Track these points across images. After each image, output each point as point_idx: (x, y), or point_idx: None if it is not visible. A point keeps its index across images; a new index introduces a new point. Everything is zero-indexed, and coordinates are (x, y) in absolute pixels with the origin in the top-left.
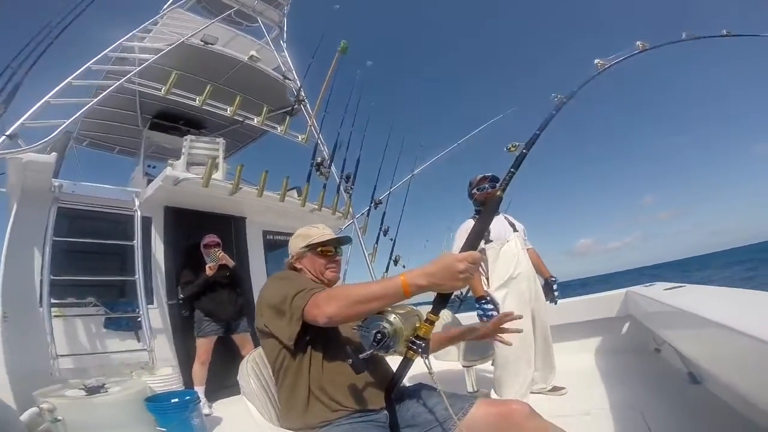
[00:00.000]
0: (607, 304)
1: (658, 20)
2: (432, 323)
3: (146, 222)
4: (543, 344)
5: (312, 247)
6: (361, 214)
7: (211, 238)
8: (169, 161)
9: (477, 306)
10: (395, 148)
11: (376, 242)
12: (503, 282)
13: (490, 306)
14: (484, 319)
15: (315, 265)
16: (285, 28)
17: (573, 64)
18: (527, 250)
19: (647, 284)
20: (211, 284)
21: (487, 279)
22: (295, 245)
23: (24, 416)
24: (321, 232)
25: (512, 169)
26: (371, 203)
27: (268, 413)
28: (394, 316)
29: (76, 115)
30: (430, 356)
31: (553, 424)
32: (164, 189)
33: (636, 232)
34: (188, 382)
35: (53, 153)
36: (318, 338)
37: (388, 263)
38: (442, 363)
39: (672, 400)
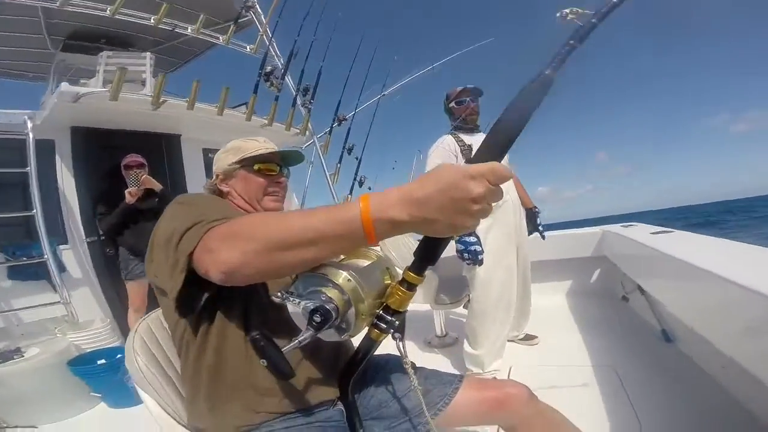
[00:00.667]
0: (582, 243)
1: None
2: (412, 288)
3: (47, 146)
4: (522, 286)
5: (246, 163)
6: (324, 133)
7: (132, 158)
8: (81, 81)
9: (457, 240)
10: (364, 61)
11: (339, 161)
12: None
13: (473, 239)
14: (466, 255)
15: (249, 187)
16: None
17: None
18: None
19: (626, 224)
20: (134, 214)
21: None
22: (223, 161)
23: None
24: (261, 145)
25: (571, 41)
26: (334, 119)
27: (172, 404)
28: (344, 276)
29: None
30: None
31: (550, 406)
32: (64, 108)
33: (589, 185)
34: (125, 333)
35: None
36: (234, 297)
37: (353, 184)
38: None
39: (646, 359)
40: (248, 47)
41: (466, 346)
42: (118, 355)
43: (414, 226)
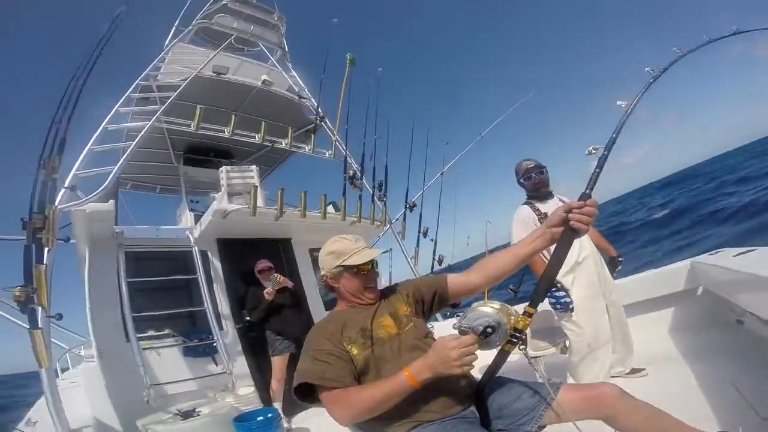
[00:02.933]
0: (670, 278)
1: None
2: (530, 316)
3: (203, 255)
4: (618, 326)
5: (347, 267)
6: (396, 219)
7: (264, 264)
8: (212, 194)
9: (549, 296)
10: (421, 148)
11: (417, 245)
12: (569, 267)
13: (562, 293)
14: (558, 306)
15: (352, 286)
16: (287, 49)
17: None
18: None
19: (712, 252)
20: (275, 306)
21: None
22: (329, 264)
23: None
24: (353, 246)
25: (597, 170)
26: (405, 206)
27: None
28: (495, 310)
29: (124, 157)
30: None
31: (648, 403)
32: (214, 223)
33: (645, 144)
34: (265, 400)
35: (111, 200)
36: (379, 367)
37: (432, 264)
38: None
39: (765, 370)
40: (327, 153)
41: (569, 381)
42: (270, 414)
43: (432, 376)
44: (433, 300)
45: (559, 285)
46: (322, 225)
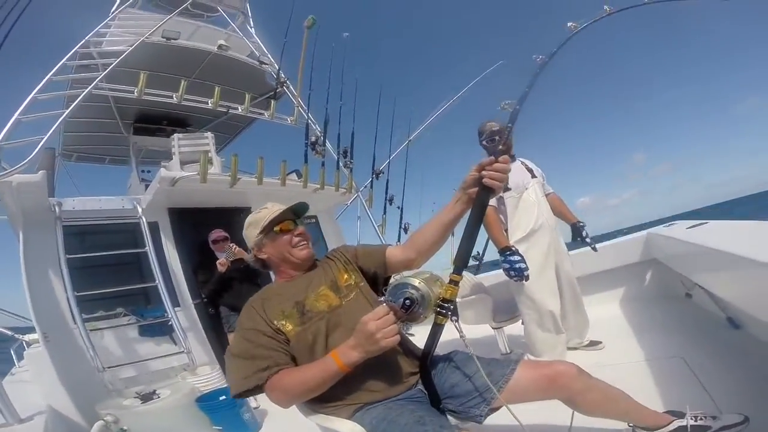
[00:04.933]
0: (628, 249)
1: None
2: (456, 284)
3: (153, 227)
4: (572, 297)
5: (267, 230)
6: (364, 187)
7: (218, 233)
8: (162, 163)
9: (502, 259)
10: (388, 116)
11: (384, 213)
12: (525, 235)
13: (517, 257)
14: (512, 273)
15: (279, 248)
16: (249, 13)
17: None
18: (548, 195)
19: (667, 224)
20: (228, 279)
21: (506, 231)
22: (251, 236)
23: (93, 430)
24: (271, 209)
25: (509, 125)
26: (372, 174)
27: None
28: (418, 281)
29: (53, 128)
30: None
31: (604, 381)
32: (163, 191)
33: (632, 189)
34: None
35: (41, 171)
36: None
37: (399, 232)
38: (472, 327)
39: (713, 346)
40: (288, 119)
41: (530, 357)
42: None
43: (364, 355)
44: (374, 278)
45: (514, 248)
46: (282, 192)
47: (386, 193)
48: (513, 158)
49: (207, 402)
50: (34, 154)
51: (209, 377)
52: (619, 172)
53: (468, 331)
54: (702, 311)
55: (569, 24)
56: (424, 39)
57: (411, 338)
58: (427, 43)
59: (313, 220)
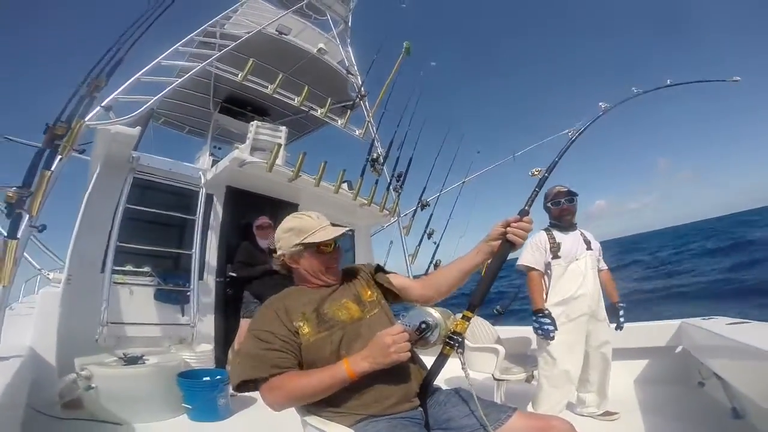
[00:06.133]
0: (658, 333)
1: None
2: (468, 320)
3: (209, 199)
4: (602, 365)
5: (307, 245)
6: (406, 214)
7: (263, 220)
8: (236, 145)
9: (534, 319)
10: (449, 152)
11: (419, 244)
12: (563, 299)
13: (547, 320)
14: (540, 332)
15: (313, 266)
16: (350, 24)
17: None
18: (600, 272)
19: (706, 317)
20: (270, 270)
21: (547, 294)
22: (287, 242)
23: (61, 382)
24: (317, 224)
25: (536, 189)
26: (418, 204)
27: None
28: (435, 311)
29: (163, 93)
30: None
31: None
32: (230, 170)
33: (653, 193)
34: (219, 361)
35: (138, 127)
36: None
37: (428, 267)
38: (475, 373)
39: None
40: (357, 131)
41: (529, 407)
42: (218, 377)
43: (373, 367)
44: (386, 297)
45: (546, 312)
46: (331, 199)
47: (427, 225)
48: (573, 227)
49: (188, 379)
50: (139, 111)
51: (203, 355)
52: (643, 177)
53: (471, 374)
54: (711, 400)
55: (600, 104)
56: (510, 91)
57: None
58: (512, 94)
59: (350, 232)
